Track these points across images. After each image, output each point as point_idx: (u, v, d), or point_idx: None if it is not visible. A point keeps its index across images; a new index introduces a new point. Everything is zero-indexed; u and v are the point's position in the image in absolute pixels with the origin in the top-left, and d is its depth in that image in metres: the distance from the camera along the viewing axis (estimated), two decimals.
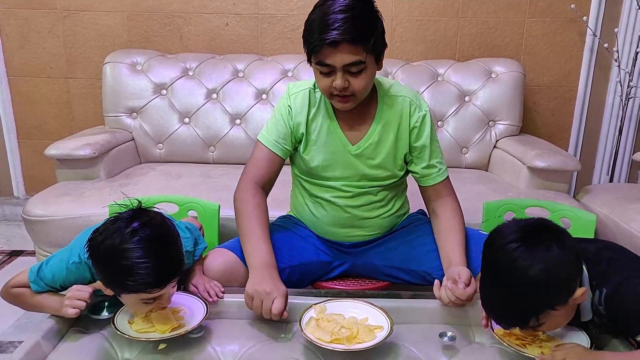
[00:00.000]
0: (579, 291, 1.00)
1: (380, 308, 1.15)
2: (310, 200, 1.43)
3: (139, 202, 1.09)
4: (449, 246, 1.31)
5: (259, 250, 1.26)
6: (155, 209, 1.09)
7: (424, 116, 1.35)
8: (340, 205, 1.38)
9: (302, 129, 1.35)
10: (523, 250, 0.97)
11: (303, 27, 1.22)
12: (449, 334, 1.11)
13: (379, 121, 1.34)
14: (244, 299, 1.17)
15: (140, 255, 0.98)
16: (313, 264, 1.43)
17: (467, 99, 2.41)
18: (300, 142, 1.37)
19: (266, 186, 1.38)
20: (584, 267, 1.04)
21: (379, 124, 1.34)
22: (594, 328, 1.10)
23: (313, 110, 1.35)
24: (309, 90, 1.36)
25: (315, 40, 1.17)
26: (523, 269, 0.96)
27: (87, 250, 1.03)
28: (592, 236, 1.58)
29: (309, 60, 1.25)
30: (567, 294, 1.00)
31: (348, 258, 1.45)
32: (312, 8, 1.22)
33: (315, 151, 1.35)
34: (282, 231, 1.43)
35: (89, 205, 1.87)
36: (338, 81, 1.21)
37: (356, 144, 1.35)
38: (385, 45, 1.26)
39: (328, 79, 1.22)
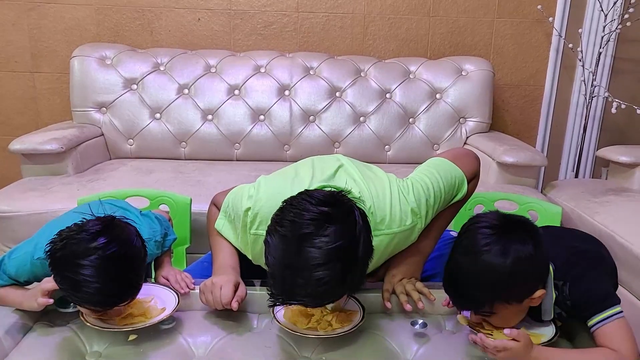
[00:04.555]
0: (538, 292, 1.01)
1: (352, 296, 1.15)
2: None
3: (113, 217, 1.05)
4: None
5: (221, 252, 1.23)
6: (127, 222, 1.06)
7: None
8: None
9: None
10: (498, 238, 0.98)
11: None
12: (420, 321, 1.12)
13: None
14: None
15: (90, 274, 0.95)
16: None
17: (438, 96, 2.45)
18: None
19: None
20: (550, 269, 1.04)
21: None
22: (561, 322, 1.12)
23: None
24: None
25: None
26: (494, 254, 0.96)
27: (47, 251, 1.00)
28: None
29: None
30: (526, 293, 1.00)
31: None
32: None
33: None
34: None
35: (57, 200, 1.83)
36: None
37: None
38: None
39: None
